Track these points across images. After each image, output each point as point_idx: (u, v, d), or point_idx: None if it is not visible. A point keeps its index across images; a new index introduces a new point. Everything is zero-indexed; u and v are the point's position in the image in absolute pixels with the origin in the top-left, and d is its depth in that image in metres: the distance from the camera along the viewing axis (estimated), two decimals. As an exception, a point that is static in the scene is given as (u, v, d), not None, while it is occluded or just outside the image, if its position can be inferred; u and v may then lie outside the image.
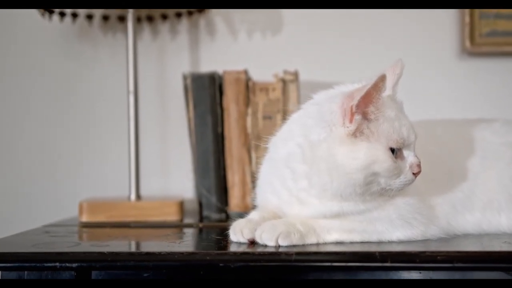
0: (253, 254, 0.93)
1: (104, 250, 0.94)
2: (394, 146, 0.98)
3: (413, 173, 1.00)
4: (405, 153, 1.00)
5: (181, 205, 1.37)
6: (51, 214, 1.55)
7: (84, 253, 0.94)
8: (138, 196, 1.42)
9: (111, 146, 1.63)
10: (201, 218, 1.38)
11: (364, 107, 0.97)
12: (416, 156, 1.01)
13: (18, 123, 1.65)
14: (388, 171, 0.97)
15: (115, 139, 1.62)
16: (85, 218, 1.34)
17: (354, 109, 0.97)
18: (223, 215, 1.40)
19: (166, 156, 1.64)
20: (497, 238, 1.05)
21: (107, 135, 1.64)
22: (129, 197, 1.42)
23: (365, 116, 0.98)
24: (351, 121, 0.97)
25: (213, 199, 1.40)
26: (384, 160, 0.97)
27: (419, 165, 1.00)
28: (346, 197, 0.98)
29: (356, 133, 0.97)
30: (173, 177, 1.63)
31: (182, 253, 0.93)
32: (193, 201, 1.51)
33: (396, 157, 0.99)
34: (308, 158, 1.00)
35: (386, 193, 1.00)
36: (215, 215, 1.40)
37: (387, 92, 1.02)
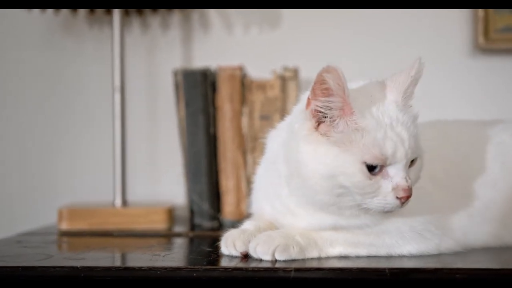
0: (246, 270, 0.87)
1: (78, 264, 0.89)
2: (370, 161, 0.86)
3: (397, 197, 0.87)
4: (392, 171, 0.87)
5: (170, 212, 1.34)
6: (29, 221, 1.51)
7: (54, 267, 0.88)
8: (124, 202, 1.39)
9: (95, 147, 1.58)
10: (192, 227, 1.35)
11: (315, 102, 0.87)
12: (406, 178, 0.87)
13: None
14: (358, 188, 0.86)
15: (99, 139, 1.56)
16: (65, 226, 1.31)
17: (311, 101, 0.88)
18: (215, 223, 1.36)
19: (155, 159, 1.59)
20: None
21: (91, 135, 1.58)
22: (113, 203, 1.38)
23: (326, 116, 0.87)
24: (307, 109, 0.89)
25: (205, 206, 1.36)
26: (352, 174, 0.86)
27: (406, 190, 0.87)
28: (321, 207, 0.90)
29: (321, 131, 0.87)
30: (162, 182, 1.57)
31: (165, 268, 0.87)
32: (184, 207, 1.47)
33: (375, 174, 0.87)
34: (287, 157, 0.92)
35: (368, 211, 0.89)
36: (207, 223, 1.36)
37: (393, 97, 0.90)
